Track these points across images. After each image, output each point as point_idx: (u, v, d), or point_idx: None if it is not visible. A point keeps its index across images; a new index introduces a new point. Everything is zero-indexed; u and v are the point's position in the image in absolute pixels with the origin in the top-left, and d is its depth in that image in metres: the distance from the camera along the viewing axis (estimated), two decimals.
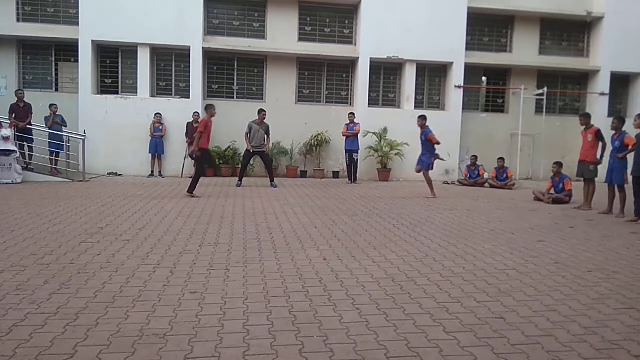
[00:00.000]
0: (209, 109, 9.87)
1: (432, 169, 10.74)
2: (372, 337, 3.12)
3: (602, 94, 15.60)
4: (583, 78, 16.23)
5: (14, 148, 11.07)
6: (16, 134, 11.47)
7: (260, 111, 11.71)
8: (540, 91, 15.29)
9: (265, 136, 11.60)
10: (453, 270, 4.75)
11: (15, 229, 6.04)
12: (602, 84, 15.61)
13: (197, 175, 9.83)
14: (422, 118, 10.67)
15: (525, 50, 15.65)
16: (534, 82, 15.79)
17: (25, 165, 11.65)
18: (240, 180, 11.69)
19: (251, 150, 11.55)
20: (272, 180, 11.68)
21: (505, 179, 13.06)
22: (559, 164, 10.67)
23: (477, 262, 5.09)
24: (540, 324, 3.43)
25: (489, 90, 16.10)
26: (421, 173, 10.72)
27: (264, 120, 11.61)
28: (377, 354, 2.89)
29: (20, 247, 5.15)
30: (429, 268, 4.80)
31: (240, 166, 12.27)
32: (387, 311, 3.58)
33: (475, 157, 13.81)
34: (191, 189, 9.60)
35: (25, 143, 11.88)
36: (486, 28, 15.58)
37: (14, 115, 11.77)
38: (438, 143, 10.58)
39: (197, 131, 9.71)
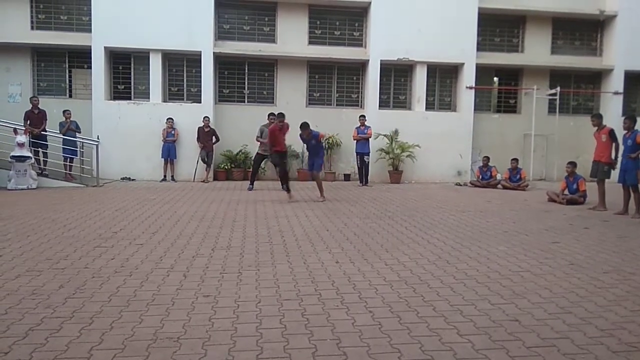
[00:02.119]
0: (280, 117, 10.04)
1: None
2: (385, 340, 3.11)
3: (616, 93, 15.41)
4: (596, 77, 16.06)
5: (29, 154, 11.23)
6: (31, 140, 11.63)
7: (270, 115, 11.56)
8: (553, 91, 15.15)
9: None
10: (466, 272, 4.71)
11: (31, 234, 6.11)
12: (616, 82, 15.43)
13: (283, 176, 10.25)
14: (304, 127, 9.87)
15: (537, 50, 15.53)
16: (546, 82, 15.65)
17: (40, 171, 11.81)
18: (252, 184, 11.67)
19: (262, 153, 11.48)
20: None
21: (518, 180, 12.94)
22: (572, 164, 10.55)
23: (491, 264, 5.05)
24: (556, 326, 3.39)
25: (501, 90, 16.00)
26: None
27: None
28: (391, 357, 2.87)
29: (36, 252, 5.22)
30: (442, 270, 4.77)
31: (251, 170, 12.24)
32: (400, 314, 3.56)
33: (488, 158, 13.71)
34: (288, 189, 10.04)
35: (39, 149, 12.05)
36: (497, 28, 15.49)
37: (28, 122, 11.93)
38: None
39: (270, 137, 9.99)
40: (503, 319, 3.50)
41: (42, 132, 12.06)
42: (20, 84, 13.82)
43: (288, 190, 10.13)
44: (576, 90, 16.13)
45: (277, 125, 9.94)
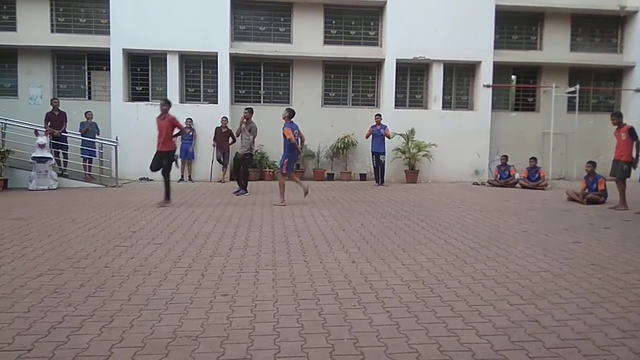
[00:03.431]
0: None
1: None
2: (403, 340, 3.10)
3: (637, 91, 15.12)
4: (617, 74, 15.77)
5: (50, 155, 11.42)
6: (51, 141, 11.84)
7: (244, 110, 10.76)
8: (572, 89, 14.92)
9: (252, 137, 10.61)
10: (485, 272, 4.67)
11: (52, 234, 6.22)
12: (637, 80, 15.14)
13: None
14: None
15: (556, 47, 15.30)
16: (565, 79, 15.42)
17: (60, 172, 12.01)
18: (242, 186, 10.83)
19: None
20: (244, 186, 10.79)
21: (537, 179, 12.78)
22: (592, 163, 10.38)
23: (510, 264, 5.00)
24: (577, 327, 3.35)
25: (519, 88, 15.81)
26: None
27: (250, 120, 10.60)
28: (409, 357, 2.86)
29: (57, 251, 5.31)
30: (460, 270, 4.73)
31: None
32: (417, 314, 3.54)
33: (506, 157, 13.55)
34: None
35: (60, 150, 12.26)
36: (515, 26, 15.31)
37: (49, 123, 12.15)
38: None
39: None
40: (522, 319, 3.46)
41: (63, 134, 12.27)
42: (40, 86, 14.06)
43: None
44: (596, 88, 15.86)
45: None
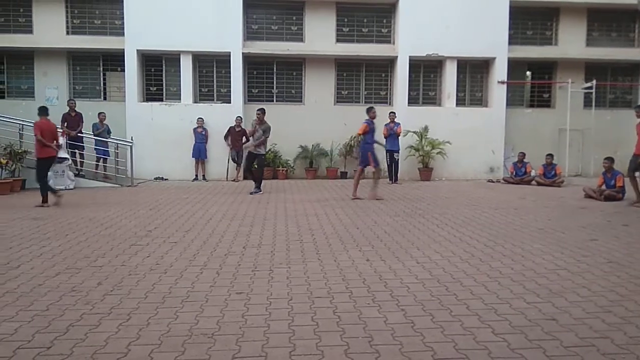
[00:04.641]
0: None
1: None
2: (418, 338, 3.08)
3: None
4: (634, 69, 15.52)
5: (66, 155, 11.58)
6: (68, 142, 11.99)
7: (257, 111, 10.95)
8: (589, 84, 14.71)
9: (265, 137, 10.71)
10: (500, 270, 4.63)
11: (69, 233, 6.30)
12: None
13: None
14: None
15: (571, 43, 15.10)
16: (581, 75, 15.22)
17: (77, 172, 12.16)
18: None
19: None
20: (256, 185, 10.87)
21: (553, 176, 12.64)
22: (610, 160, 10.22)
23: (526, 262, 4.95)
24: (595, 325, 3.30)
25: (534, 84, 15.64)
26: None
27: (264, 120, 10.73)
28: (424, 356, 2.85)
29: (75, 250, 5.38)
30: (475, 269, 4.70)
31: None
32: (433, 312, 3.52)
33: (523, 153, 13.42)
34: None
35: (76, 150, 12.42)
36: (529, 21, 15.14)
37: (65, 124, 12.31)
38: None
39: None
40: (539, 317, 3.43)
41: (79, 134, 12.43)
42: (57, 88, 14.26)
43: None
44: (613, 83, 15.63)
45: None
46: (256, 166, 10.97)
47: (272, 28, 14.65)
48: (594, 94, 14.65)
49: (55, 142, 9.19)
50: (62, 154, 11.44)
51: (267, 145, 11.20)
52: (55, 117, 12.62)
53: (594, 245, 5.69)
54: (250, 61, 14.60)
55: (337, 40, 14.64)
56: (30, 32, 14.04)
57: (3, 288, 4.05)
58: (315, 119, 14.38)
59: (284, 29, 14.68)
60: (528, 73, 15.68)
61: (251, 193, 10.60)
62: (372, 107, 10.12)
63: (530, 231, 6.55)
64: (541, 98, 15.59)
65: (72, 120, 12.46)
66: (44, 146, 8.87)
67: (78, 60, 14.46)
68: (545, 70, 15.48)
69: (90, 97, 14.39)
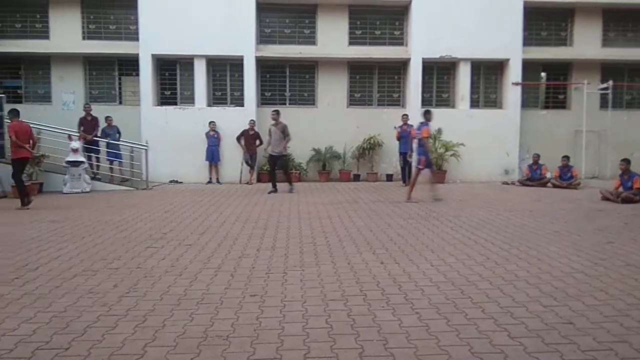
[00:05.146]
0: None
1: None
2: (433, 341, 3.07)
3: None
4: None
5: (83, 159, 11.73)
6: (84, 145, 12.15)
7: (272, 112, 11.55)
8: (605, 85, 14.51)
9: (286, 137, 11.26)
10: (516, 273, 4.59)
11: (86, 236, 6.38)
12: None
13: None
14: None
15: (587, 43, 14.92)
16: (597, 75, 15.02)
17: (93, 175, 12.31)
18: (274, 187, 11.30)
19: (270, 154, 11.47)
20: (290, 184, 11.50)
21: (569, 178, 12.49)
22: (626, 161, 10.08)
23: (542, 265, 4.90)
24: (613, 329, 3.26)
25: (549, 86, 15.48)
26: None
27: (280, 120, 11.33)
28: (439, 359, 2.84)
29: (91, 253, 5.45)
30: (491, 271, 4.66)
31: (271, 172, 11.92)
32: (447, 315, 3.50)
33: (538, 155, 13.29)
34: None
35: (92, 154, 12.57)
36: (544, 22, 14.99)
37: (82, 128, 12.48)
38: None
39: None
40: (556, 321, 3.39)
41: (95, 138, 12.59)
42: (73, 92, 14.44)
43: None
44: (630, 84, 15.39)
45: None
46: (277, 169, 11.48)
47: (284, 31, 14.71)
48: (610, 94, 14.45)
49: (30, 143, 9.32)
50: (79, 157, 11.61)
51: (287, 145, 11.56)
52: (72, 121, 12.88)
53: (611, 248, 5.62)
54: (263, 65, 14.66)
55: (350, 43, 14.65)
56: (47, 37, 14.25)
57: (22, 290, 4.12)
58: (328, 122, 14.39)
59: (296, 33, 14.72)
60: (543, 74, 15.52)
61: (290, 191, 11.22)
62: (430, 110, 10.29)
63: (546, 234, 6.48)
64: (556, 99, 15.42)
65: (88, 124, 12.63)
66: (18, 147, 9.02)
67: (94, 65, 14.64)
68: (560, 71, 15.32)
69: (106, 102, 14.55)
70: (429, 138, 10.01)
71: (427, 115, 10.10)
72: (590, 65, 14.97)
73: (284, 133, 11.22)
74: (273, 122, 11.26)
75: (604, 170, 14.64)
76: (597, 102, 14.93)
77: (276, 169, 11.64)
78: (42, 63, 14.40)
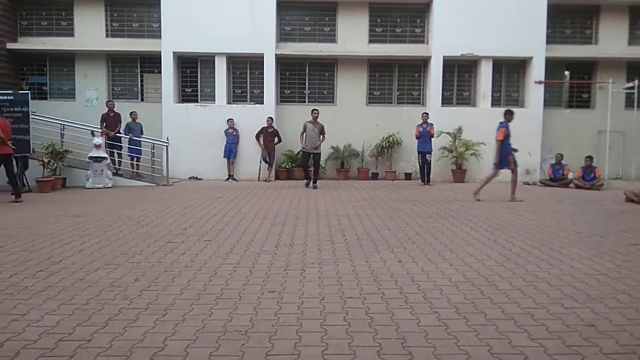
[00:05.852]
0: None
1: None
2: (452, 341, 3.05)
3: None
4: None
5: (105, 155, 11.93)
6: (107, 141, 12.35)
7: (313, 110, 11.88)
8: (631, 84, 14.19)
9: (321, 136, 11.68)
10: (537, 274, 4.53)
11: (108, 230, 6.49)
12: None
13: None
14: None
15: (612, 41, 14.61)
16: (623, 74, 14.70)
17: (115, 171, 12.52)
18: (308, 179, 11.94)
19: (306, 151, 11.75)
20: (314, 182, 11.86)
21: (592, 178, 12.27)
22: None
23: (563, 266, 4.82)
24: (636, 332, 3.19)
25: (573, 84, 15.21)
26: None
27: (318, 120, 11.71)
28: (458, 359, 2.82)
29: (113, 247, 5.54)
30: (511, 272, 4.60)
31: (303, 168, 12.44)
32: (467, 315, 3.48)
33: (561, 155, 13.08)
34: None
35: (114, 150, 12.78)
36: (568, 20, 14.74)
37: (104, 124, 12.69)
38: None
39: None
40: (578, 323, 3.34)
41: (117, 134, 12.78)
42: (96, 89, 14.69)
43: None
44: None
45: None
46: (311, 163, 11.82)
47: (304, 29, 14.73)
48: (635, 94, 14.13)
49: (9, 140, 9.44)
50: (101, 153, 11.81)
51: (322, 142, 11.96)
52: (95, 117, 13.10)
53: (635, 250, 5.50)
54: (283, 62, 14.71)
55: (370, 41, 14.60)
56: (72, 35, 14.52)
57: (45, 282, 4.21)
58: (347, 120, 14.38)
59: (316, 30, 14.73)
60: (567, 73, 15.26)
61: (312, 187, 11.71)
62: (511, 111, 10.06)
63: (568, 235, 6.38)
64: (580, 98, 15.15)
65: (111, 120, 12.84)
66: (2, 144, 9.15)
67: (117, 62, 14.87)
68: (584, 69, 15.04)
69: (128, 98, 14.76)
70: (504, 141, 9.70)
71: (507, 115, 9.83)
72: (616, 63, 14.67)
73: (321, 132, 11.60)
74: (312, 119, 11.62)
75: (628, 171, 14.35)
76: (622, 101, 14.61)
77: (308, 167, 11.99)
78: (67, 60, 14.68)
